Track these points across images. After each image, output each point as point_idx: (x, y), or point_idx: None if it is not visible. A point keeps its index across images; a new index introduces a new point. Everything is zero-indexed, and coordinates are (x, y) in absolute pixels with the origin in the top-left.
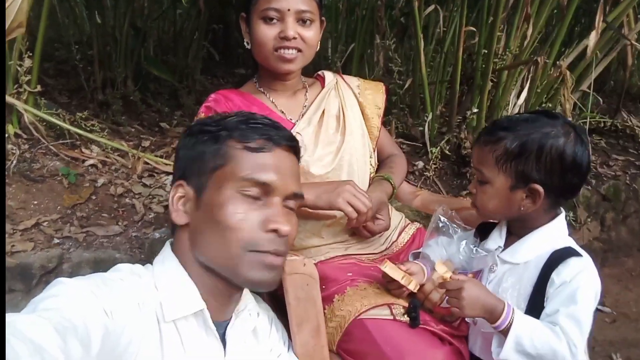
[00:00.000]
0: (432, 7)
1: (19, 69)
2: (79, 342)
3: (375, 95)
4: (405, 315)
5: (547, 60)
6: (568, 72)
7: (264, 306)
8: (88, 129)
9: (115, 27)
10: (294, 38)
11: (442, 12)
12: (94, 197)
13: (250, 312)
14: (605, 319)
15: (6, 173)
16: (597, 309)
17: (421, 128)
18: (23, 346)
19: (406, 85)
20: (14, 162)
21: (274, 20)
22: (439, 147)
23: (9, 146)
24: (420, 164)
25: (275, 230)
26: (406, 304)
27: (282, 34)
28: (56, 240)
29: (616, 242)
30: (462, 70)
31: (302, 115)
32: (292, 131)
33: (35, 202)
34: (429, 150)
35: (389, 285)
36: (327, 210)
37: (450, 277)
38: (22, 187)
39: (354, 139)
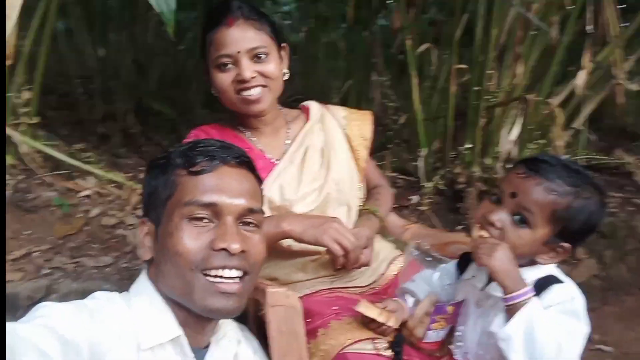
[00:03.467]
0: (426, 46)
1: (16, 101)
2: (75, 353)
3: (362, 125)
4: (390, 350)
5: (538, 98)
6: (557, 110)
7: (248, 334)
8: (84, 160)
9: (118, 62)
10: (253, 77)
11: (435, 51)
12: (86, 228)
13: (231, 339)
14: (606, 358)
15: None
16: (598, 349)
17: (416, 163)
18: (29, 351)
19: (401, 121)
20: (9, 192)
21: (229, 66)
22: (434, 182)
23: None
24: (415, 198)
25: (224, 249)
26: (391, 339)
27: (238, 77)
28: (45, 271)
29: (616, 280)
30: (455, 106)
31: (284, 153)
32: (273, 172)
33: (27, 232)
34: (423, 185)
35: (370, 326)
36: (313, 245)
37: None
38: (15, 217)
39: (340, 172)
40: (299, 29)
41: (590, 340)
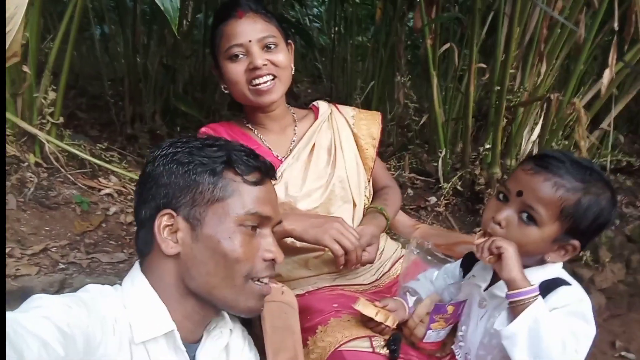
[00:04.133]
0: (447, 45)
1: (43, 101)
2: (72, 344)
3: (370, 125)
4: (385, 348)
5: (562, 98)
6: (582, 110)
7: (238, 326)
8: (107, 159)
9: (147, 65)
10: (265, 65)
11: (456, 50)
12: (104, 225)
13: (222, 329)
14: None
15: (22, 200)
16: (620, 355)
17: (435, 164)
18: (32, 340)
19: (422, 122)
20: (32, 189)
21: (240, 56)
22: (451, 183)
23: (28, 174)
24: (433, 199)
25: (272, 259)
26: (388, 337)
27: (251, 66)
28: (61, 266)
29: None
30: (477, 106)
31: (290, 151)
32: (278, 169)
33: (47, 229)
34: (441, 185)
35: (368, 324)
36: (314, 245)
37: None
38: (36, 214)
39: (347, 171)
40: (328, 32)
41: (613, 347)
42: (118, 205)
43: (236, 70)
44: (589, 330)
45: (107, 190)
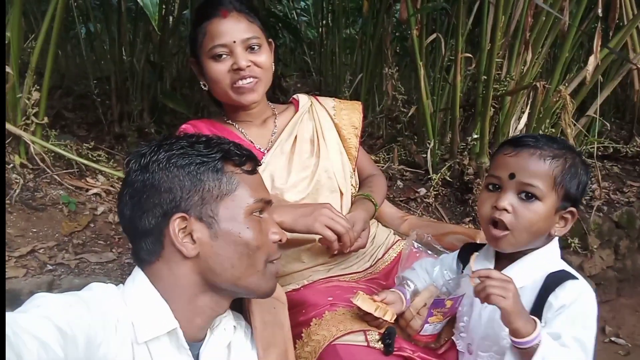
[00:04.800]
0: (434, 36)
1: (27, 102)
2: (72, 344)
3: (351, 115)
4: (380, 342)
5: (548, 86)
6: (568, 97)
7: (243, 324)
8: (94, 159)
9: (134, 63)
10: (248, 66)
11: (443, 40)
12: (92, 225)
13: (226, 326)
14: (619, 351)
15: (9, 202)
16: (610, 340)
17: (424, 155)
18: (31, 341)
19: (410, 113)
20: (17, 191)
21: (224, 56)
22: (440, 174)
23: (13, 175)
24: (423, 190)
25: (279, 240)
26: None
27: (234, 66)
28: (49, 267)
29: (632, 272)
30: (464, 97)
31: (272, 142)
32: (262, 161)
33: (34, 230)
34: (430, 176)
35: (365, 318)
36: (305, 234)
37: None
38: (22, 215)
39: (331, 160)
40: (316, 25)
41: (603, 332)
42: (106, 205)
43: (219, 69)
44: (590, 337)
45: (94, 190)
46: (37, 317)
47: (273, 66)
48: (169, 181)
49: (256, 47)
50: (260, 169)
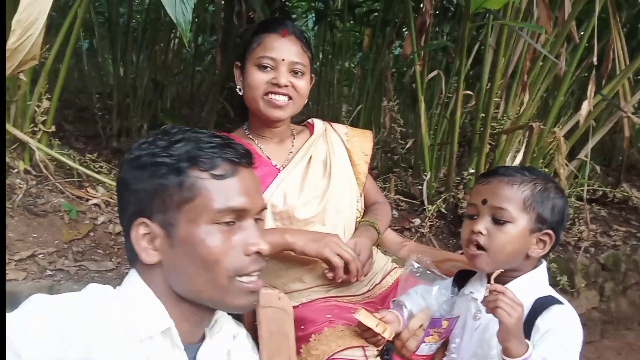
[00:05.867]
0: (435, 73)
1: (37, 109)
2: (69, 344)
3: (362, 142)
4: (378, 358)
5: (543, 127)
6: (562, 139)
7: (243, 330)
8: (96, 169)
9: (137, 80)
10: (286, 85)
11: (442, 77)
12: (92, 234)
13: (226, 334)
14: None
15: (11, 206)
16: None
17: (420, 187)
18: (30, 341)
19: (407, 146)
20: (20, 196)
21: (268, 68)
22: (435, 206)
23: (16, 180)
24: (417, 221)
25: (257, 252)
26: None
27: (274, 80)
28: (49, 272)
29: (616, 314)
30: (462, 132)
31: (288, 161)
32: (277, 178)
33: (35, 235)
34: (425, 208)
35: (364, 335)
36: (314, 257)
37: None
38: (24, 220)
39: (341, 184)
40: (316, 56)
41: None
42: (106, 215)
43: (259, 77)
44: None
45: (94, 201)
46: (35, 318)
47: (307, 97)
48: (135, 183)
49: (299, 73)
50: (275, 183)
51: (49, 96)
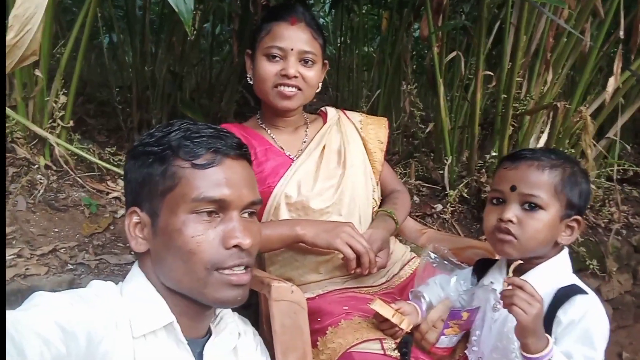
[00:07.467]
0: (454, 54)
1: (54, 105)
2: (73, 341)
3: (378, 130)
4: (396, 351)
5: (569, 106)
6: (589, 118)
7: (250, 329)
8: (115, 163)
9: (155, 72)
10: (295, 77)
11: (462, 58)
12: (112, 228)
13: (232, 332)
14: None
15: (32, 202)
16: None
17: (441, 171)
18: (33, 338)
19: (428, 130)
20: (41, 191)
21: (277, 58)
22: (457, 190)
23: (38, 176)
24: (439, 207)
25: (236, 246)
26: (399, 340)
27: (283, 72)
28: (69, 266)
29: None
30: (483, 115)
31: (302, 150)
32: (291, 168)
33: (56, 230)
34: (447, 193)
35: (381, 326)
36: (326, 249)
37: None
38: (45, 215)
39: (356, 173)
40: (334, 42)
41: (620, 358)
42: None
43: (268, 69)
44: (600, 354)
45: (115, 194)
46: (38, 315)
47: (320, 86)
48: (129, 173)
49: (310, 62)
50: (288, 174)
51: (65, 91)
